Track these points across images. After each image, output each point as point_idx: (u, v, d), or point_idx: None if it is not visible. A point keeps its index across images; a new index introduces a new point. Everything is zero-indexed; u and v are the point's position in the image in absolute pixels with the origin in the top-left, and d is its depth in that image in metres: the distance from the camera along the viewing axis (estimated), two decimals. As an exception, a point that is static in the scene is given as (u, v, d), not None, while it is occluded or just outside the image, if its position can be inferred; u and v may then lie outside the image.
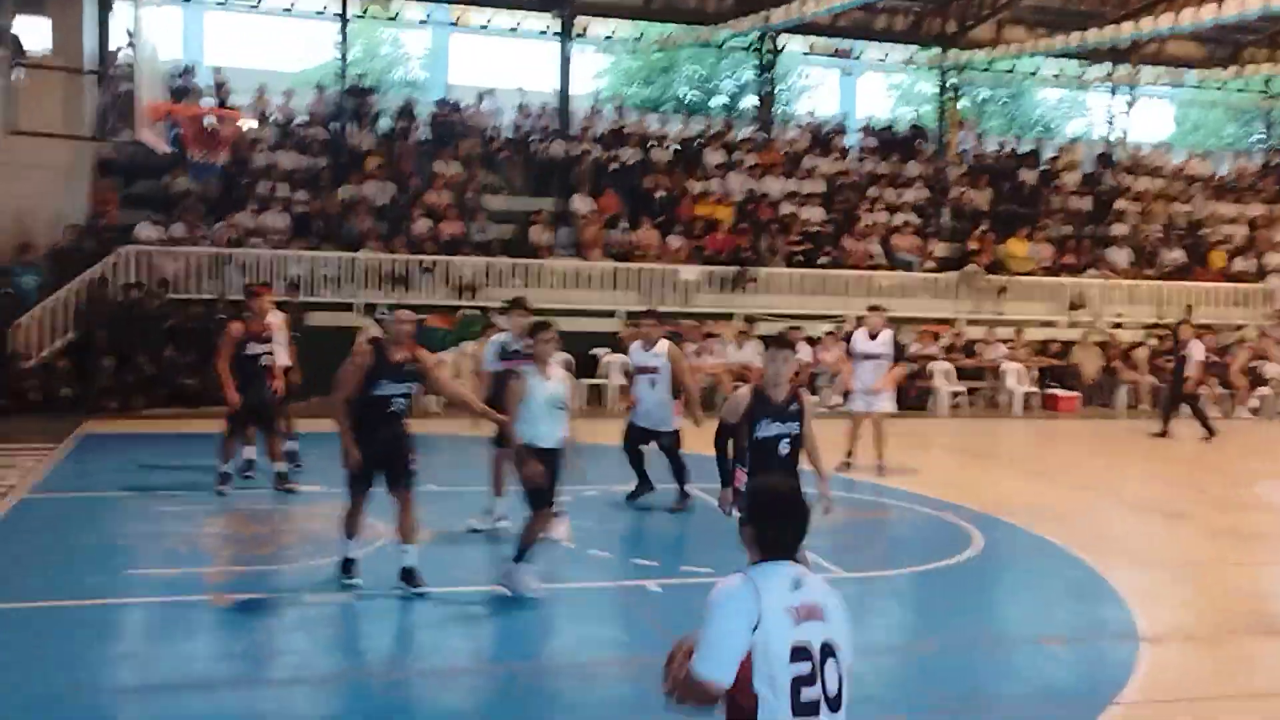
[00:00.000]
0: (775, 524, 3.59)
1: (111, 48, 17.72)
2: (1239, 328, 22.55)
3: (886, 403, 13.01)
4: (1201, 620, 7.88)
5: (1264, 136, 33.23)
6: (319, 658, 6.73)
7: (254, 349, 10.75)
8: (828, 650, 3.47)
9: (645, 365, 10.84)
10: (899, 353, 13.12)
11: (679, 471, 10.64)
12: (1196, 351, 16.95)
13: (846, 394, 13.42)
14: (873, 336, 12.99)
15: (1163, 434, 17.01)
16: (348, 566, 7.80)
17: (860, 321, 14.06)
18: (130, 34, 12.64)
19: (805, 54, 28.66)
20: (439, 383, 7.79)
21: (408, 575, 7.64)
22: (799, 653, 3.42)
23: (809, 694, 3.41)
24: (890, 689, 6.60)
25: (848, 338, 14.01)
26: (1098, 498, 12.37)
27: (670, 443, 10.73)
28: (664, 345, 10.86)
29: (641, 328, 11.38)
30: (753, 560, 3.56)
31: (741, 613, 3.39)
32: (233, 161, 19.28)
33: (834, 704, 3.46)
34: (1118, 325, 21.99)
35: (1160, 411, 17.62)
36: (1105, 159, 27.76)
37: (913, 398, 19.11)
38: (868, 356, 12.92)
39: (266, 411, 10.92)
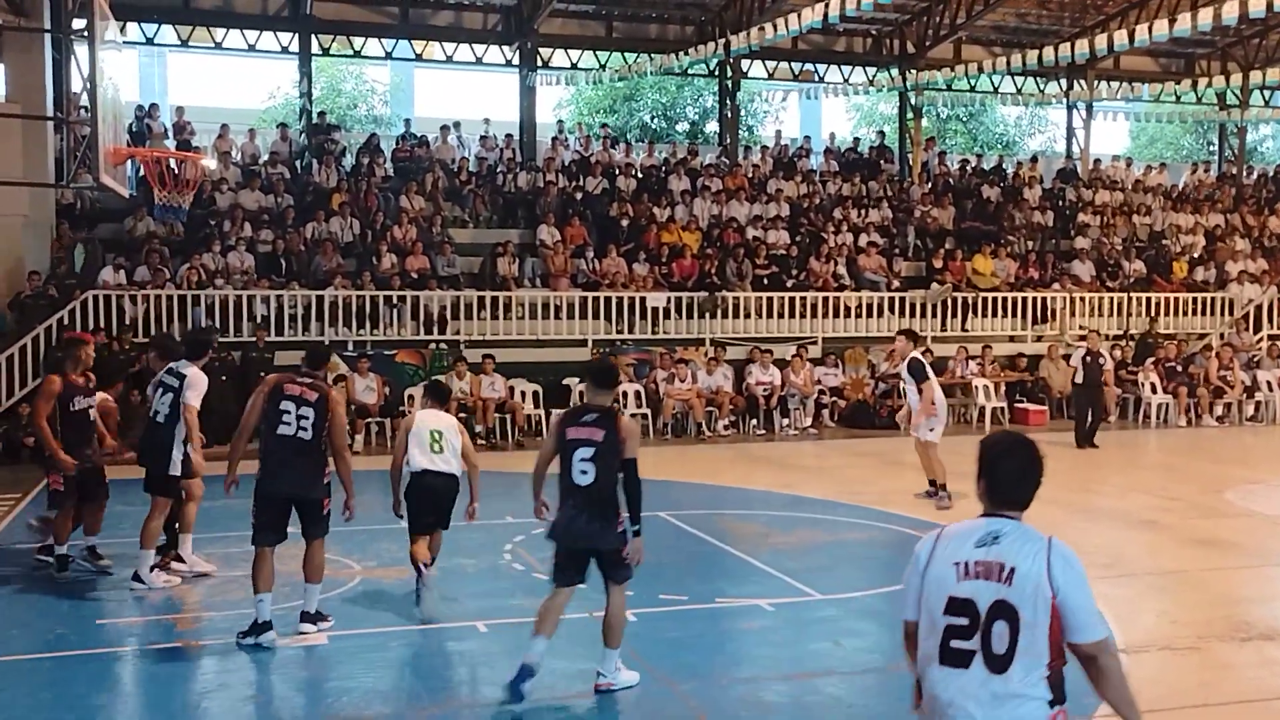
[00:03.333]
0: (991, 475, 3.72)
1: (72, 92, 17.66)
2: (1202, 336, 22.78)
3: (923, 430, 12.51)
4: (1180, 629, 7.90)
5: (1218, 147, 33.72)
6: (293, 700, 6.63)
7: (81, 403, 9.29)
8: (1001, 612, 3.53)
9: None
10: (919, 375, 12.54)
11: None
12: (1108, 360, 17.97)
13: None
14: (903, 359, 12.88)
15: (1093, 446, 17.15)
16: (256, 626, 7.42)
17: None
18: (90, 79, 12.53)
19: (767, 79, 28.88)
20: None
21: (306, 616, 7.60)
22: (958, 605, 3.59)
23: (960, 644, 3.57)
24: (871, 710, 6.57)
25: None
26: (1071, 510, 12.40)
27: None
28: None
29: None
30: (981, 514, 3.76)
31: (916, 560, 3.79)
32: (196, 203, 19.21)
33: (997, 663, 3.52)
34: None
35: (1084, 427, 17.55)
36: (1066, 173, 28.08)
37: (884, 417, 19.21)
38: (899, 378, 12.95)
39: (93, 476, 9.48)
